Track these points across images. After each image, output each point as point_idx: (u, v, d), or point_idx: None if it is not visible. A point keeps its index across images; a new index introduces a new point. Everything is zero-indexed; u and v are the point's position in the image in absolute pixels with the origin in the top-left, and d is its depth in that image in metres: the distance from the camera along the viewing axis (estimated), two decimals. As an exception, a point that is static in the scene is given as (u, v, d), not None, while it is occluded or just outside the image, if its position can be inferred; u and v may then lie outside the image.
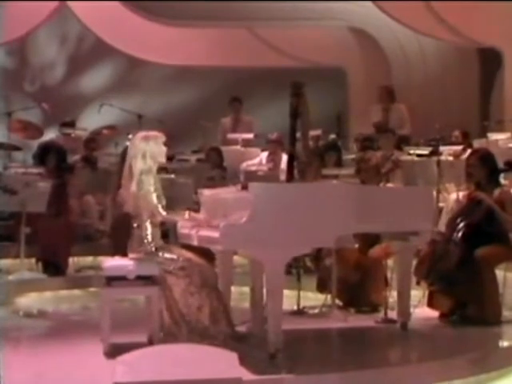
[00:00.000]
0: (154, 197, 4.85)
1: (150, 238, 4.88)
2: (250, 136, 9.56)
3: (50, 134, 9.99)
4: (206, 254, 5.20)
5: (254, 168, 7.70)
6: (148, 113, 9.59)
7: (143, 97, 11.52)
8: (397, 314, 5.60)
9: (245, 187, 4.58)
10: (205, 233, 4.78)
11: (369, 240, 6.13)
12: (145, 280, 4.76)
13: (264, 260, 4.54)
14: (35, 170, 8.04)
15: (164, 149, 4.99)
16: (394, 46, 11.72)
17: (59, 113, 10.12)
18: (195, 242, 4.94)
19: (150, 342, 4.75)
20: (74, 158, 8.90)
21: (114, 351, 4.46)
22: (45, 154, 8.08)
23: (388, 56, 11.78)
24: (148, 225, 4.88)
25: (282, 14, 11.24)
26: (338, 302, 6.14)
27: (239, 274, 6.25)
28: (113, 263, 4.94)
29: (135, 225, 4.92)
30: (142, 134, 5.00)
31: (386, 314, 5.82)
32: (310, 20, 11.42)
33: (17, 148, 9.29)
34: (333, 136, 9.15)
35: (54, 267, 7.53)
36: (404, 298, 5.50)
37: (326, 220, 4.59)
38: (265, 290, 4.87)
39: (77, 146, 9.38)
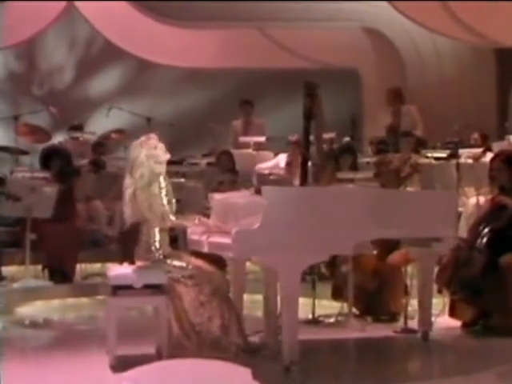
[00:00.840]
0: (164, 201, 4.65)
1: (157, 244, 4.69)
2: (262, 139, 9.37)
3: (59, 138, 9.77)
4: (216, 260, 5.04)
5: (267, 171, 7.41)
6: (158, 116, 9.38)
7: (153, 100, 11.30)
8: (418, 323, 5.37)
9: (258, 191, 4.38)
10: (216, 239, 4.59)
11: (387, 246, 5.91)
12: (152, 289, 4.58)
13: (279, 268, 4.33)
14: (41, 175, 7.88)
15: (162, 150, 4.75)
16: (408, 47, 11.50)
17: (68, 116, 9.89)
18: (206, 249, 4.75)
19: (158, 354, 4.58)
20: (81, 162, 8.73)
21: (120, 364, 4.32)
22: (49, 158, 7.88)
23: (402, 56, 11.57)
24: (156, 231, 4.69)
25: (294, 15, 11.05)
26: (354, 310, 5.96)
27: (251, 281, 6.03)
28: (118, 272, 4.73)
29: (143, 231, 4.73)
30: (140, 140, 4.79)
31: (405, 323, 5.59)
32: (322, 20, 11.22)
33: (24, 152, 9.08)
34: (347, 139, 8.91)
35: (60, 274, 7.33)
36: (425, 306, 5.27)
37: (344, 226, 4.38)
38: (279, 299, 4.70)
39: (85, 150, 9.17)
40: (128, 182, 4.71)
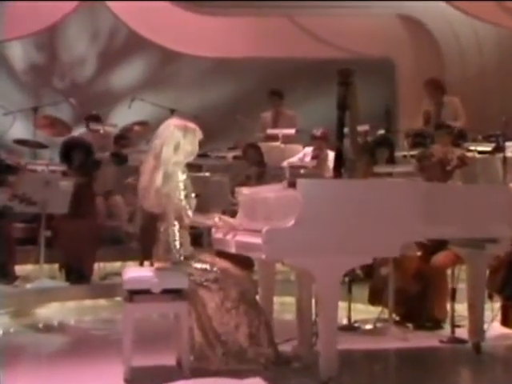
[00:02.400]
0: (182, 195, 4.21)
1: (178, 244, 4.25)
2: (292, 131, 8.96)
3: (79, 131, 9.39)
4: (243, 260, 4.62)
5: (300, 164, 6.99)
6: (182, 108, 8.98)
7: (177, 91, 10.92)
8: (468, 332, 4.88)
9: (292, 184, 3.89)
10: (244, 238, 4.16)
11: (431, 246, 5.47)
12: (172, 294, 4.17)
13: (316, 272, 3.85)
14: (58, 168, 7.50)
15: (197, 148, 4.37)
16: (447, 35, 11.04)
17: (89, 109, 9.48)
18: (232, 249, 4.35)
19: (179, 365, 4.21)
20: (102, 156, 8.36)
21: (136, 376, 4.04)
22: (70, 150, 7.50)
23: (441, 45, 11.13)
24: (176, 229, 4.24)
25: (325, 2, 10.72)
26: (394, 316, 5.55)
27: (280, 281, 5.69)
28: (134, 274, 4.28)
29: (162, 229, 4.29)
30: (179, 121, 4.37)
31: (452, 331, 5.14)
32: (355, 7, 10.86)
33: (42, 146, 8.71)
34: (381, 132, 8.50)
35: (77, 274, 6.99)
36: (476, 313, 4.78)
37: (391, 224, 3.89)
38: (314, 302, 4.40)
39: (105, 143, 8.80)
40: (151, 164, 4.25)
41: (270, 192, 4.36)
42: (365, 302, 5.90)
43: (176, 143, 4.25)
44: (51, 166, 7.49)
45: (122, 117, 9.86)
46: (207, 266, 4.21)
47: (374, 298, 5.79)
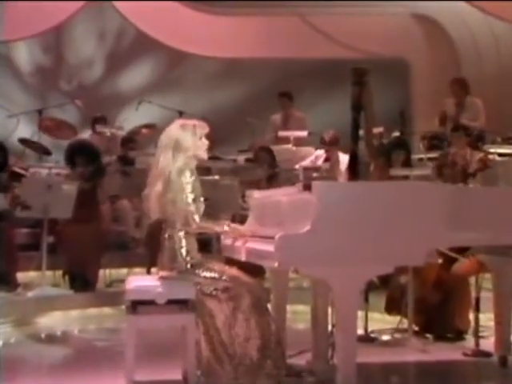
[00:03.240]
0: (190, 198, 3.97)
1: (184, 251, 4.00)
2: (304, 134, 8.78)
3: (85, 135, 9.30)
4: (254, 267, 4.28)
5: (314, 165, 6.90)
6: (191, 110, 8.81)
7: (186, 93, 10.75)
8: (494, 345, 4.66)
9: (307, 187, 3.64)
10: (255, 245, 3.91)
11: (453, 252, 5.18)
12: (179, 305, 3.95)
13: (334, 282, 3.58)
14: (61, 171, 7.37)
15: (205, 142, 4.15)
16: (463, 34, 10.83)
17: (96, 112, 9.41)
18: (242, 257, 4.09)
19: (185, 381, 3.99)
20: (108, 159, 8.21)
21: None
22: (76, 153, 7.29)
23: (457, 45, 10.95)
24: (182, 235, 4.01)
25: (338, 1, 10.61)
26: (413, 326, 5.35)
27: (292, 288, 5.53)
28: (138, 284, 4.04)
29: (166, 235, 4.05)
30: (180, 121, 4.20)
31: (476, 343, 4.89)
32: (368, 6, 10.68)
33: (46, 152, 8.43)
34: (396, 134, 8.29)
35: (81, 281, 6.78)
36: (503, 325, 4.57)
37: (415, 230, 3.61)
38: (330, 310, 4.22)
39: (112, 146, 8.72)
40: (153, 174, 4.08)
41: (282, 195, 4.11)
42: (381, 311, 5.68)
43: (174, 144, 4.04)
44: (54, 169, 7.32)
45: (130, 119, 9.67)
46: (216, 275, 3.97)
47: (392, 307, 5.59)
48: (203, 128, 4.13)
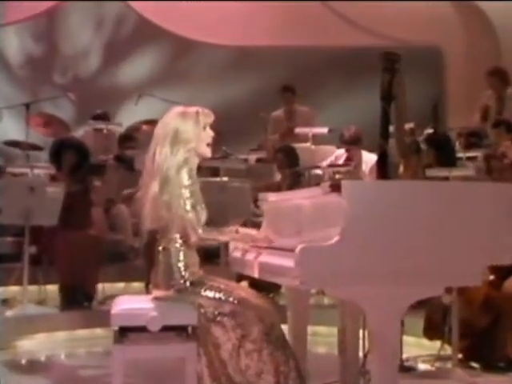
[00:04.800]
0: (188, 206, 3.59)
1: (182, 266, 3.60)
2: (324, 131, 8.51)
3: (80, 131, 9.19)
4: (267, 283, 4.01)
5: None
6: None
7: (193, 86, 10.63)
8: None
9: (335, 187, 3.21)
10: (270, 259, 3.52)
11: (504, 269, 4.90)
12: (176, 332, 3.57)
13: (368, 305, 3.15)
14: (46, 171, 7.14)
15: (210, 133, 3.76)
16: (504, 18, 10.66)
17: (93, 106, 9.33)
18: (254, 273, 3.73)
19: None
20: (104, 158, 8.09)
21: None
22: (60, 151, 7.02)
23: (497, 30, 10.83)
24: (179, 246, 3.62)
25: None
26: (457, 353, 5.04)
27: (312, 306, 5.25)
28: (126, 307, 3.61)
29: (161, 247, 3.66)
30: (178, 108, 3.80)
31: None
32: None
33: (36, 147, 8.22)
34: (429, 130, 8.05)
35: (81, 296, 6.56)
36: None
37: (472, 242, 3.18)
38: (361, 333, 4.00)
39: (109, 144, 8.62)
40: (148, 172, 3.73)
41: (304, 198, 3.72)
42: (419, 335, 5.43)
43: (173, 136, 3.67)
44: (37, 170, 7.08)
45: (130, 115, 9.62)
46: (221, 295, 3.57)
47: (432, 331, 5.35)
48: (208, 116, 3.75)
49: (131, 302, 3.66)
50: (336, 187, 3.20)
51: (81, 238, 6.55)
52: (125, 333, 3.52)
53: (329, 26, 10.98)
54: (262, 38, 10.99)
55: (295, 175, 7.26)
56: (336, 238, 3.10)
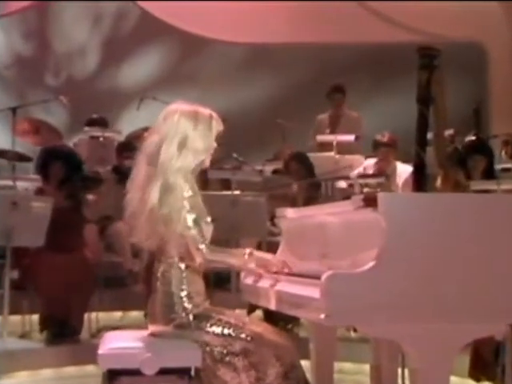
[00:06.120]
0: (189, 221, 3.43)
1: (185, 297, 3.47)
2: (351, 138, 8.65)
3: (74, 140, 9.25)
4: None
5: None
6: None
7: (203, 88, 10.61)
8: None
9: (370, 201, 3.04)
10: (290, 288, 3.40)
11: None
12: (177, 376, 3.44)
13: (413, 346, 2.97)
14: (30, 184, 7.12)
15: (212, 146, 3.66)
16: None
17: (90, 111, 9.44)
18: (271, 304, 3.63)
19: None
20: (100, 169, 8.16)
21: None
22: (48, 161, 6.99)
23: None
24: (182, 272, 3.49)
25: None
26: None
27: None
28: (116, 346, 3.44)
29: (159, 273, 3.51)
30: (187, 106, 3.69)
31: None
32: None
33: (24, 157, 8.21)
34: (472, 138, 8.00)
35: (65, 329, 6.39)
36: None
37: None
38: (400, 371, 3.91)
39: (107, 154, 8.67)
40: (142, 174, 3.63)
41: (330, 214, 3.59)
42: (463, 375, 5.28)
43: (182, 138, 3.55)
44: (22, 182, 7.05)
45: (131, 121, 9.71)
46: (231, 331, 3.47)
47: (479, 371, 5.23)
48: (220, 123, 3.68)
49: (122, 340, 3.51)
50: (371, 201, 3.05)
51: (69, 262, 6.45)
52: (115, 376, 3.36)
53: (356, 20, 11.08)
54: (279, 35, 11.06)
55: (313, 187, 7.29)
56: (371, 263, 2.98)
